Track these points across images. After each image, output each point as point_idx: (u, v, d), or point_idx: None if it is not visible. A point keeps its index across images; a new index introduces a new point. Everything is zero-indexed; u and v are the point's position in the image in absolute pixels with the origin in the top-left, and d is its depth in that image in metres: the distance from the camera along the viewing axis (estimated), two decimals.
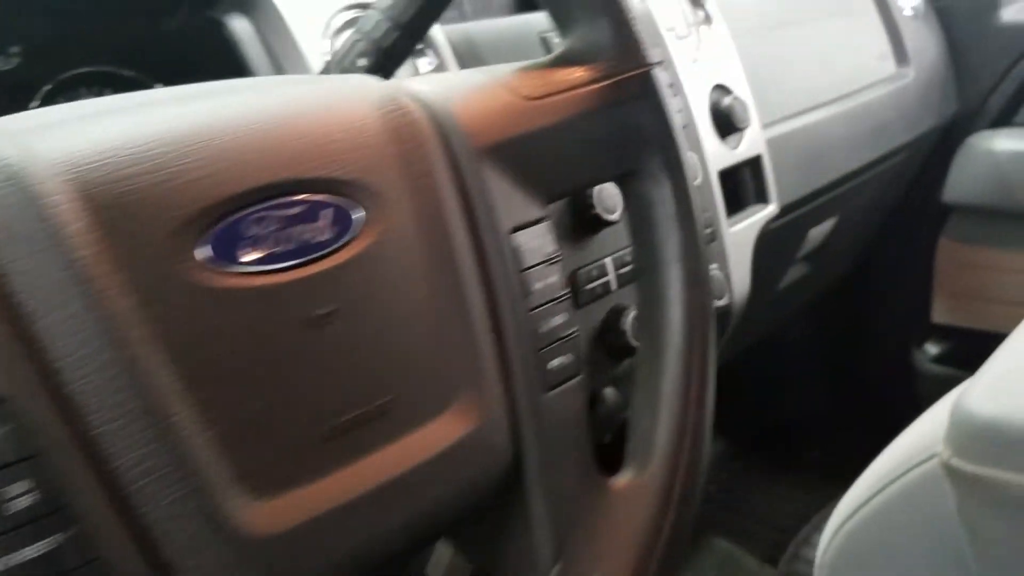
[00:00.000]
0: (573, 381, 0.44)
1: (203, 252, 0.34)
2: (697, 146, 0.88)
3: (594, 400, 0.77)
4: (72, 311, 0.31)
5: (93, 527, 0.31)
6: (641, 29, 0.46)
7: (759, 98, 1.00)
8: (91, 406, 0.31)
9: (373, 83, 0.42)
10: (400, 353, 0.38)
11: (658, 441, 0.45)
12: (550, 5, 0.47)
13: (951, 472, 0.53)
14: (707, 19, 0.98)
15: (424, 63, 0.71)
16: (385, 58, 0.55)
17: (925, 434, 0.59)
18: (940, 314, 1.59)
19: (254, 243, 0.34)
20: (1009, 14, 1.43)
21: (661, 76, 0.47)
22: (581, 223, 0.75)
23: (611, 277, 0.71)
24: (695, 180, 0.84)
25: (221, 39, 0.64)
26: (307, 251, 0.36)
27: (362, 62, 0.54)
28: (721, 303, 0.85)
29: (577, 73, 0.45)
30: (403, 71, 0.70)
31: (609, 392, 0.77)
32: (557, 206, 0.75)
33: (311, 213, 0.36)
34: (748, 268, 0.95)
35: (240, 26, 0.64)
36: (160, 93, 0.39)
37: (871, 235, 1.56)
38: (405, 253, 0.39)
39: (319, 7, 0.66)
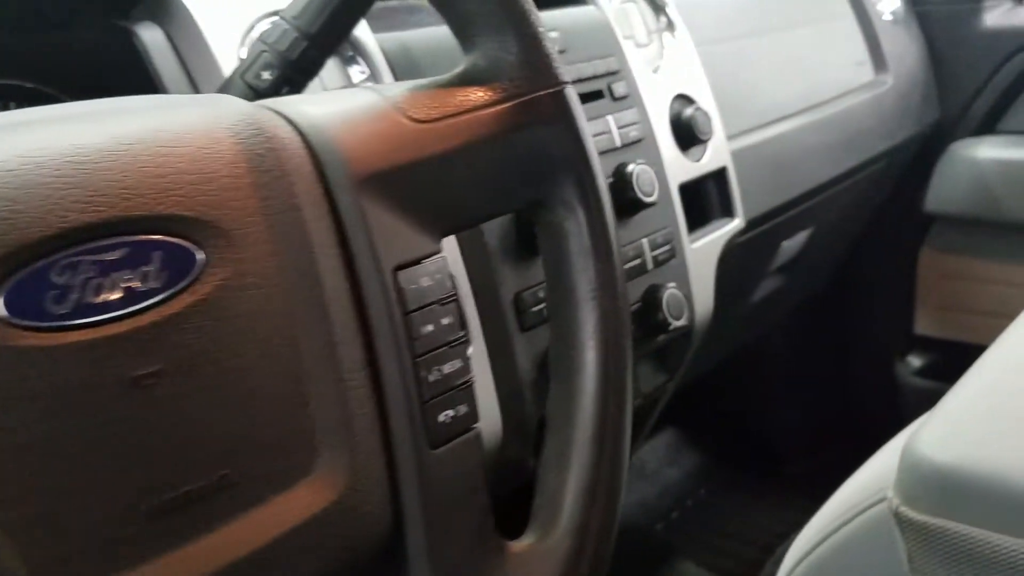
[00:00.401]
0: (468, 434, 0.40)
1: None
2: (657, 159, 0.85)
3: (541, 426, 0.73)
4: None
5: None
6: (549, 45, 0.42)
7: (726, 108, 0.97)
8: None
9: (235, 105, 0.38)
10: (246, 416, 0.34)
11: (566, 500, 0.41)
12: (450, 17, 0.43)
13: (901, 521, 0.49)
14: (669, 26, 0.94)
15: (356, 72, 0.67)
16: (293, 71, 0.51)
17: (877, 473, 0.55)
18: (923, 326, 1.56)
19: (63, 294, 0.30)
20: (992, 19, 1.40)
21: (573, 96, 0.43)
22: (525, 241, 0.72)
23: None
24: (651, 196, 0.81)
25: (133, 50, 0.60)
26: (130, 301, 0.31)
27: (267, 75, 0.50)
28: (680, 323, 0.81)
29: (477, 94, 0.41)
30: (335, 82, 0.66)
31: None
32: (501, 223, 0.71)
33: (139, 257, 0.32)
34: (711, 285, 0.91)
35: (152, 36, 0.60)
36: None
37: (850, 246, 1.53)
38: (259, 299, 0.34)
39: (238, 16, 0.62)
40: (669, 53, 0.92)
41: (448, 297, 0.40)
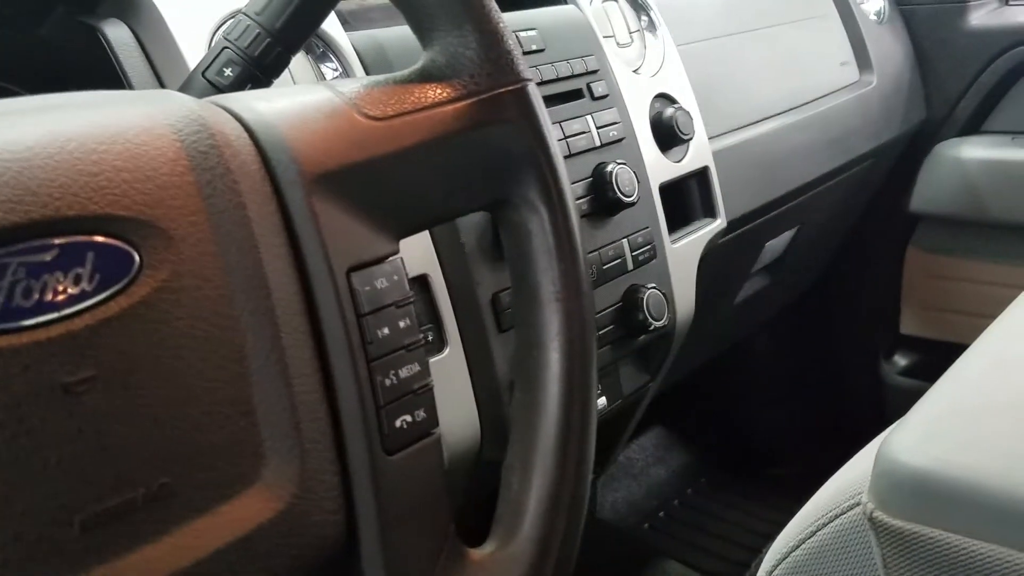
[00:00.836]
0: (427, 440, 0.39)
1: None
2: (637, 159, 0.84)
3: None
4: None
5: None
6: (511, 41, 0.41)
7: (708, 108, 0.96)
8: None
9: (180, 102, 0.36)
10: (187, 423, 0.33)
11: (528, 506, 0.40)
12: (408, 12, 0.42)
13: (875, 525, 0.48)
14: (651, 26, 0.93)
15: (328, 69, 0.66)
16: (257, 68, 0.50)
17: (853, 477, 0.54)
18: (909, 325, 1.56)
19: None
20: (977, 19, 1.39)
21: (535, 94, 0.42)
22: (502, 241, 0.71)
23: None
24: (631, 196, 0.80)
25: (99, 47, 0.59)
26: (61, 305, 0.30)
27: (229, 72, 0.49)
28: (660, 324, 0.80)
29: (436, 90, 0.40)
30: (306, 79, 0.65)
31: None
32: (478, 223, 0.70)
33: (71, 258, 0.30)
34: (693, 286, 0.90)
35: (117, 34, 0.59)
36: None
37: (835, 246, 1.52)
38: (201, 301, 0.33)
39: (206, 13, 0.61)
40: (650, 53, 0.92)
41: (405, 300, 0.39)
